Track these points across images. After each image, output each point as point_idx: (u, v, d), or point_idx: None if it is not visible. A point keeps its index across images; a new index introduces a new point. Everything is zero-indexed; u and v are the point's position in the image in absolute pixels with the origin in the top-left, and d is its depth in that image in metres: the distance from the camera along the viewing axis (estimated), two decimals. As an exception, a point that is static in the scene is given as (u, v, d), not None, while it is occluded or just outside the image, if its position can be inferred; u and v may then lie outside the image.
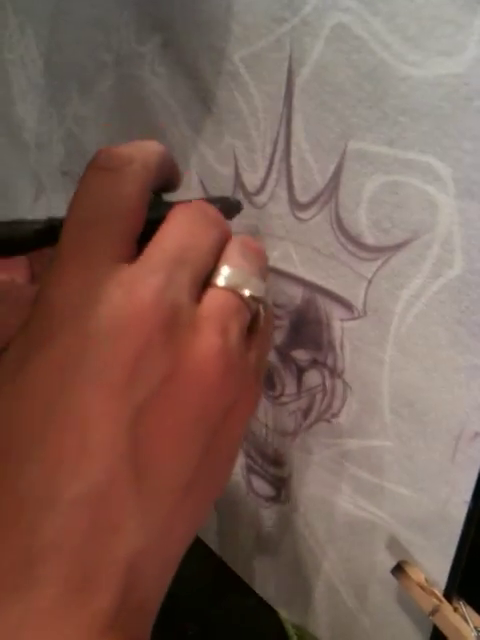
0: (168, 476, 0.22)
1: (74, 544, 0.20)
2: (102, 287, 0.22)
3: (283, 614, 0.44)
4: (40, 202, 0.59)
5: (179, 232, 0.24)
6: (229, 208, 0.31)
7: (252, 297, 0.25)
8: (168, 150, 0.27)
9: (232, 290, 0.25)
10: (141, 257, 0.23)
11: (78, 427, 0.20)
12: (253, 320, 0.26)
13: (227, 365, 0.23)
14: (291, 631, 0.43)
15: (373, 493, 0.36)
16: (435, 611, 0.34)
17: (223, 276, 0.25)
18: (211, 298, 0.24)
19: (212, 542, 0.50)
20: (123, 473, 0.21)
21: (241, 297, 0.25)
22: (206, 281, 0.25)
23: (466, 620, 0.34)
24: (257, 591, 0.47)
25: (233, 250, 0.26)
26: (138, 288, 0.22)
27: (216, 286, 0.25)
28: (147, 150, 0.26)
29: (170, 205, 0.27)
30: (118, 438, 0.21)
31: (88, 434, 0.20)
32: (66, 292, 0.22)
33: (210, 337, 0.23)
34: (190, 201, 0.27)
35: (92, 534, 0.20)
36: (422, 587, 0.35)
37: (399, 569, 0.35)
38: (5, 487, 0.20)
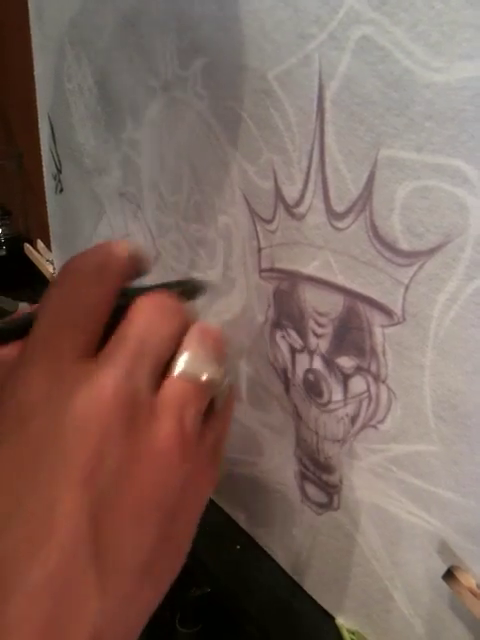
0: (127, 558, 0.23)
1: (38, 625, 0.21)
2: (65, 384, 0.24)
3: (339, 620, 0.44)
4: (102, 223, 0.62)
5: (138, 327, 0.26)
6: (192, 291, 0.33)
7: (208, 384, 0.27)
8: (136, 247, 0.29)
9: (189, 378, 0.26)
10: (102, 352, 0.25)
11: (43, 515, 0.22)
12: (211, 404, 0.28)
13: (183, 451, 0.25)
14: (347, 636, 0.43)
15: (421, 498, 0.36)
16: (487, 618, 0.34)
17: (180, 365, 0.27)
18: (169, 387, 0.26)
19: (269, 548, 0.51)
20: (84, 557, 0.22)
21: (197, 384, 0.26)
22: (166, 369, 0.26)
23: (520, 627, 0.33)
24: (314, 597, 0.47)
25: (191, 339, 0.27)
26: (99, 384, 0.24)
27: (174, 373, 0.26)
28: (115, 256, 0.28)
29: (139, 291, 0.29)
30: (80, 524, 0.22)
31: (52, 522, 0.22)
32: (33, 389, 0.24)
33: (167, 426, 0.24)
34: (153, 290, 0.29)
35: (55, 614, 0.21)
36: (473, 593, 0.34)
37: (450, 575, 0.35)
38: None
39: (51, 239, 0.78)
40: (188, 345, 0.27)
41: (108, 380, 0.24)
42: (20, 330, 0.28)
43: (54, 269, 0.80)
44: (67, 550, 0.22)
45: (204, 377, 0.27)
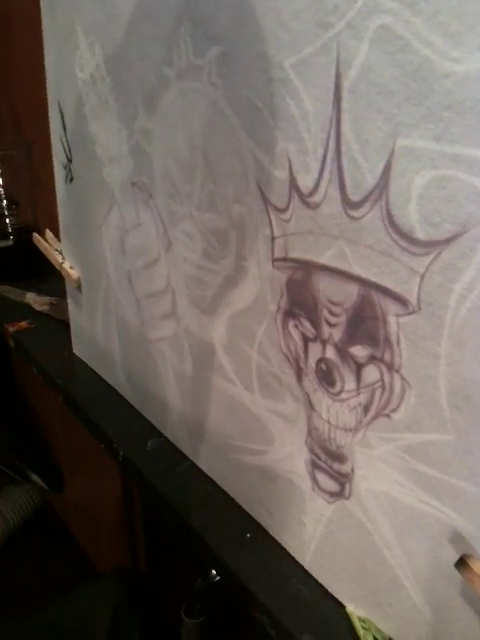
0: None
1: None
2: None
3: (350, 608, 0.45)
4: (112, 212, 0.62)
5: None
6: None
7: None
8: None
9: None
10: None
11: None
12: None
13: None
14: (358, 625, 0.43)
15: (434, 487, 0.36)
16: (499, 606, 0.34)
17: None
18: None
19: (279, 536, 0.52)
20: None
21: None
22: None
23: None
24: (325, 586, 0.47)
25: None
26: None
27: None
28: None
29: None
30: None
31: None
32: None
33: None
34: None
35: None
36: (485, 581, 0.34)
37: (462, 563, 0.35)
38: None
39: (60, 229, 0.78)
40: None
41: None
42: None
43: (63, 259, 0.80)
44: None
45: None
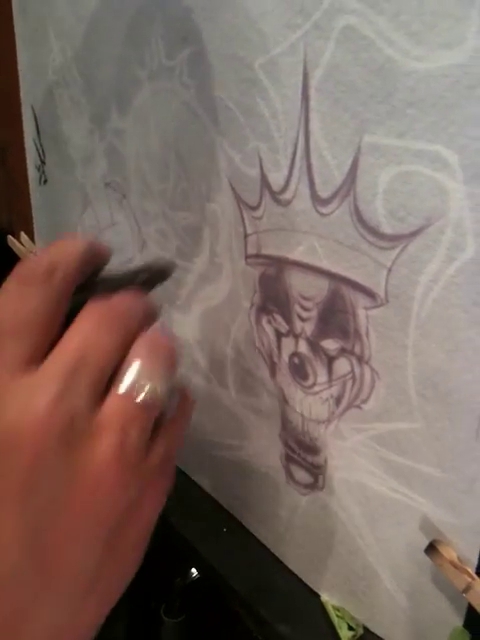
0: (71, 571, 0.24)
1: None
2: (2, 397, 0.23)
3: (325, 597, 0.46)
4: (87, 213, 0.63)
5: (82, 336, 0.25)
6: (159, 274, 0.32)
7: (154, 399, 0.25)
8: (89, 242, 0.29)
9: (134, 391, 0.25)
10: (44, 364, 0.24)
11: None
12: (159, 418, 0.26)
13: (124, 469, 0.24)
14: (333, 613, 0.44)
15: (404, 475, 0.37)
16: (468, 588, 0.35)
17: (124, 380, 0.25)
18: (110, 404, 0.24)
19: (255, 529, 0.52)
20: (28, 569, 0.23)
21: (143, 398, 0.25)
22: (111, 381, 0.25)
23: (499, 597, 0.34)
24: (300, 576, 0.48)
25: (138, 351, 0.26)
26: (34, 399, 0.23)
27: (117, 391, 0.25)
28: (67, 254, 0.27)
29: (101, 284, 0.29)
30: (22, 539, 0.22)
31: None
32: None
33: (107, 444, 0.24)
34: (117, 283, 0.29)
35: (3, 622, 0.22)
36: (454, 565, 0.35)
37: (432, 548, 0.36)
38: None
39: (35, 231, 0.79)
40: (135, 357, 0.26)
41: (43, 397, 0.23)
42: None
43: (38, 261, 0.80)
44: (11, 563, 0.22)
45: (150, 392, 0.25)
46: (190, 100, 0.44)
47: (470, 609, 0.36)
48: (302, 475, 0.45)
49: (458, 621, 0.37)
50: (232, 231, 0.44)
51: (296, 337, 0.42)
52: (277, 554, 0.50)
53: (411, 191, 0.32)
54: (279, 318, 0.43)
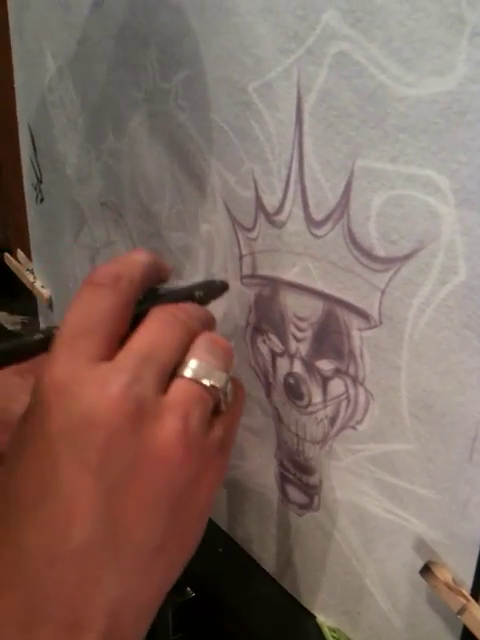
0: (140, 541, 0.27)
1: (65, 594, 0.25)
2: (81, 383, 0.27)
3: (320, 618, 0.45)
4: (83, 232, 0.63)
5: (149, 335, 0.29)
6: (214, 291, 0.37)
7: (214, 386, 0.29)
8: (153, 256, 0.33)
9: (194, 380, 0.29)
10: (116, 357, 0.28)
11: (64, 499, 0.26)
12: (217, 405, 0.30)
13: (187, 446, 0.27)
14: (328, 634, 0.44)
15: (398, 496, 0.37)
16: (463, 610, 0.35)
17: (188, 368, 0.29)
18: (175, 388, 0.28)
19: (250, 549, 0.52)
20: (101, 537, 0.26)
21: (203, 386, 0.29)
22: (174, 373, 0.29)
23: (494, 619, 0.34)
24: (295, 597, 0.48)
25: (200, 345, 0.30)
26: (108, 385, 0.26)
27: (181, 377, 0.29)
28: (133, 265, 0.32)
29: (163, 296, 0.34)
30: (96, 509, 0.26)
31: (72, 505, 0.25)
32: (53, 388, 0.27)
33: (171, 424, 0.27)
34: (177, 294, 0.34)
35: (79, 586, 0.25)
36: (449, 587, 0.35)
37: (427, 570, 0.36)
38: (8, 546, 0.26)
39: (31, 248, 0.79)
40: (195, 352, 0.30)
41: (116, 383, 0.26)
42: (41, 344, 0.31)
43: (34, 278, 0.80)
44: (87, 531, 0.25)
45: (209, 381, 0.29)
46: (185, 122, 0.44)
47: (465, 631, 0.36)
48: (297, 495, 0.45)
49: (453, 643, 0.37)
50: (227, 252, 0.44)
51: (291, 357, 0.42)
52: (272, 574, 0.50)
53: (404, 215, 0.32)
54: (274, 338, 0.43)
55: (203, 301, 0.35)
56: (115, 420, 0.26)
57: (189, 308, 0.32)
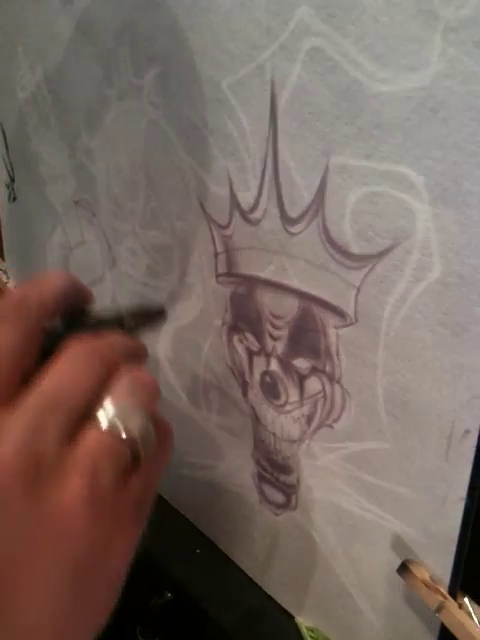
0: (37, 621, 0.22)
1: None
2: None
3: (299, 618, 0.45)
4: (57, 231, 0.62)
5: (58, 373, 0.25)
6: (148, 319, 0.32)
7: (130, 437, 0.25)
8: (71, 278, 0.29)
9: (109, 431, 0.25)
10: (16, 403, 0.23)
11: None
12: (137, 456, 0.26)
13: (93, 509, 0.23)
14: (306, 633, 0.43)
15: (375, 494, 0.37)
16: (441, 608, 0.35)
17: (102, 413, 0.25)
18: (85, 441, 0.24)
19: (228, 549, 0.52)
20: None
21: (116, 437, 0.25)
22: (88, 415, 0.25)
23: (471, 616, 0.34)
24: (274, 597, 0.48)
25: (120, 386, 0.26)
26: (1, 439, 0.22)
27: (92, 426, 0.24)
28: (44, 287, 0.27)
29: (85, 325, 0.29)
30: None
31: None
32: None
33: (74, 484, 0.23)
34: (98, 325, 0.29)
35: None
36: (427, 585, 0.35)
37: (404, 568, 0.36)
38: None
39: (4, 248, 0.78)
40: (113, 393, 0.25)
41: (11, 437, 0.22)
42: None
43: (7, 278, 0.79)
44: None
45: (125, 430, 0.25)
46: (158, 119, 0.44)
47: (443, 628, 0.36)
48: (275, 495, 0.45)
49: (431, 641, 0.37)
50: (202, 250, 0.44)
51: (267, 356, 0.42)
52: (250, 575, 0.50)
53: (378, 212, 0.32)
54: (250, 337, 0.43)
55: (134, 330, 0.31)
56: (5, 483, 0.22)
57: (113, 340, 0.27)
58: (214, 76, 0.38)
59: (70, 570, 0.23)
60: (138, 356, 0.29)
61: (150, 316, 0.32)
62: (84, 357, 0.26)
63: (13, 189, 0.69)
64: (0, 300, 0.26)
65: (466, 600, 0.35)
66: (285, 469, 0.43)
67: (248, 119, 0.37)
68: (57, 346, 0.26)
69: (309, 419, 0.40)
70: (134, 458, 0.25)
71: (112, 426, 0.25)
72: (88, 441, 0.24)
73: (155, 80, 0.43)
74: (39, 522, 0.22)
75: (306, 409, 0.40)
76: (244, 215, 0.40)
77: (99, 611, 0.25)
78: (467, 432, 0.32)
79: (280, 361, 0.41)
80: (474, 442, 0.32)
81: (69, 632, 0.24)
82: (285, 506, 0.44)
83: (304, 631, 0.44)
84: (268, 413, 0.43)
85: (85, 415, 0.24)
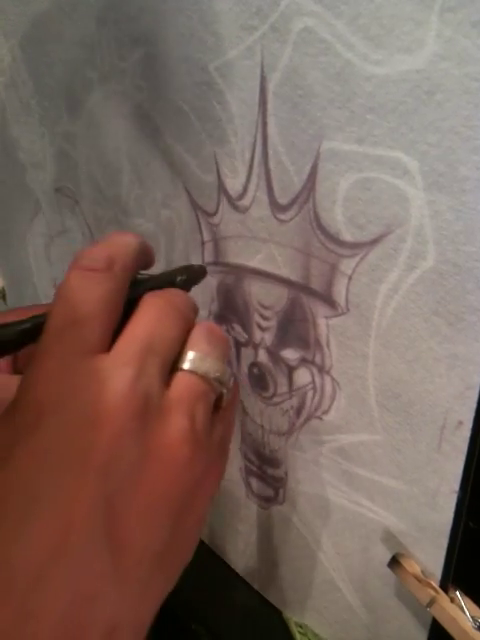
0: (142, 549, 0.24)
1: (58, 614, 0.22)
2: (79, 380, 0.24)
3: (286, 613, 0.45)
4: (37, 219, 0.60)
5: (148, 324, 0.27)
6: (195, 276, 0.34)
7: (217, 380, 0.28)
8: (142, 240, 0.30)
9: (197, 374, 0.27)
10: (114, 349, 0.25)
11: (59, 510, 0.22)
12: (218, 399, 0.29)
13: (195, 446, 0.25)
14: (295, 630, 0.43)
15: (366, 487, 0.37)
16: (432, 602, 0.34)
17: (189, 361, 0.27)
18: (179, 383, 0.26)
19: (215, 545, 0.51)
20: (100, 548, 0.23)
21: (206, 380, 0.27)
22: (174, 366, 0.27)
23: (463, 610, 0.34)
24: (260, 591, 0.47)
25: (198, 336, 0.28)
26: (112, 381, 0.24)
27: (183, 371, 0.27)
28: (125, 249, 0.29)
29: (147, 283, 0.30)
30: (96, 517, 0.23)
31: (68, 516, 0.22)
32: (46, 385, 0.24)
33: (179, 421, 0.25)
34: (160, 280, 0.31)
35: (74, 604, 0.22)
36: (418, 579, 0.35)
37: (395, 562, 0.36)
38: None
39: (-16, 237, 0.76)
40: (196, 342, 0.28)
41: (121, 379, 0.24)
42: (27, 335, 0.27)
43: (-13, 268, 0.77)
44: (84, 542, 0.22)
45: (211, 374, 0.27)
46: (143, 103, 0.43)
47: (434, 623, 0.36)
48: (262, 488, 0.44)
49: (422, 636, 0.37)
50: (189, 238, 0.43)
51: (256, 347, 0.41)
52: (237, 570, 0.49)
53: (371, 198, 0.31)
54: (238, 327, 0.42)
55: (185, 287, 0.33)
56: (120, 419, 0.24)
57: (182, 295, 0.30)
58: (201, 58, 0.37)
59: (173, 501, 0.25)
60: (197, 310, 0.31)
61: (195, 273, 0.34)
62: (166, 310, 0.28)
63: (-8, 176, 0.67)
64: (87, 255, 0.27)
65: (458, 594, 0.34)
66: (273, 462, 0.43)
67: (236, 103, 0.36)
68: (131, 302, 0.28)
69: (298, 411, 0.40)
70: (216, 402, 0.28)
71: (200, 371, 0.27)
72: (181, 384, 0.26)
73: (139, 62, 0.41)
74: (149, 455, 0.24)
75: (295, 401, 0.39)
76: (232, 202, 0.39)
77: (187, 546, 0.27)
78: (460, 423, 0.31)
79: (268, 352, 0.40)
80: (467, 434, 0.31)
81: (166, 564, 0.26)
82: (273, 500, 0.44)
83: (293, 627, 0.43)
84: (256, 405, 0.42)
85: (173, 361, 0.27)
